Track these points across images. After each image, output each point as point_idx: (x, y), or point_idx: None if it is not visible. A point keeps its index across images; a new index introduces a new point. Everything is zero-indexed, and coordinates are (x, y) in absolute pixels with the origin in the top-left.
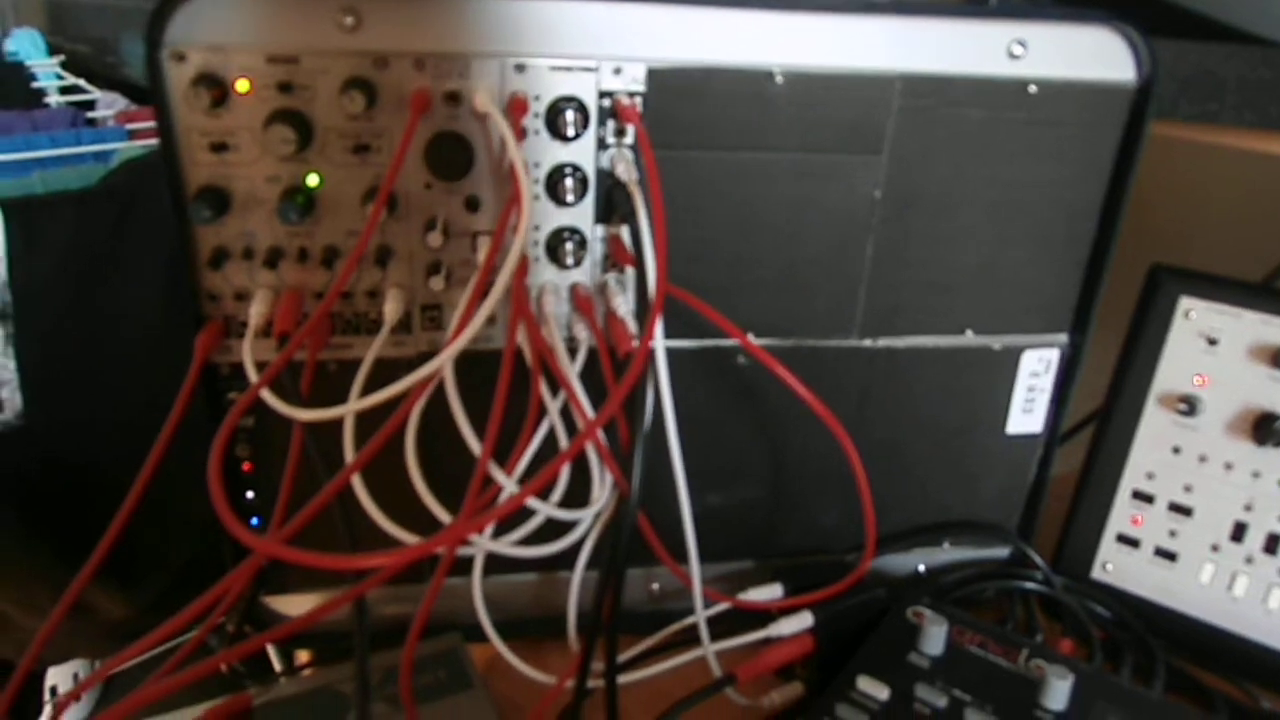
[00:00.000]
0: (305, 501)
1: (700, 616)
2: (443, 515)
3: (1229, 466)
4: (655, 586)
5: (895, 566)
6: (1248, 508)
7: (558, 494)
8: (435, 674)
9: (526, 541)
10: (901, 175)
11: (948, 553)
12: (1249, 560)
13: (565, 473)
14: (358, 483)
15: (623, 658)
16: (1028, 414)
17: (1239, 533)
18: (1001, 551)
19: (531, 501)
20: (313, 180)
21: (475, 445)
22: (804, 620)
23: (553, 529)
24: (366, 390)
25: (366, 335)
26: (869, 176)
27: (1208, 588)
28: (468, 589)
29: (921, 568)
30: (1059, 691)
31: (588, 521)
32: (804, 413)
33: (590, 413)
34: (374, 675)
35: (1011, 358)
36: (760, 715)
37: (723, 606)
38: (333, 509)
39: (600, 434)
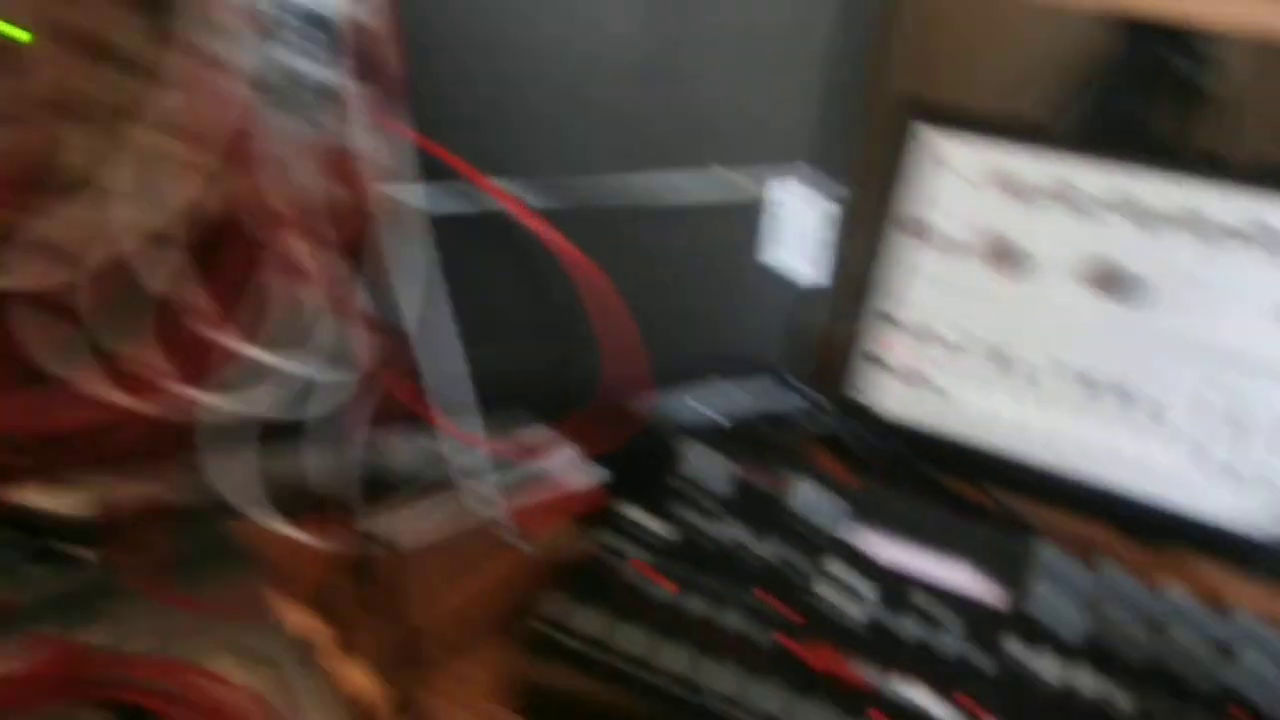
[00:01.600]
0: None
1: (477, 473)
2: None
3: (973, 292)
4: (430, 447)
5: (674, 410)
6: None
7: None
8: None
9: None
10: (655, 11)
11: (720, 389)
12: (1002, 377)
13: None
14: None
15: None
16: (780, 245)
17: (990, 353)
18: (770, 384)
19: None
20: None
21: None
22: (588, 471)
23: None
24: None
25: None
26: (625, 14)
27: (964, 405)
28: (230, 466)
29: (698, 407)
30: (840, 515)
31: (350, 383)
32: (564, 263)
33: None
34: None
35: (759, 189)
36: (552, 563)
37: (504, 463)
38: None
39: (363, 296)
